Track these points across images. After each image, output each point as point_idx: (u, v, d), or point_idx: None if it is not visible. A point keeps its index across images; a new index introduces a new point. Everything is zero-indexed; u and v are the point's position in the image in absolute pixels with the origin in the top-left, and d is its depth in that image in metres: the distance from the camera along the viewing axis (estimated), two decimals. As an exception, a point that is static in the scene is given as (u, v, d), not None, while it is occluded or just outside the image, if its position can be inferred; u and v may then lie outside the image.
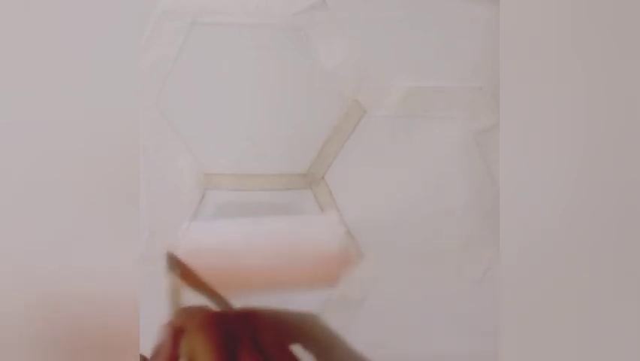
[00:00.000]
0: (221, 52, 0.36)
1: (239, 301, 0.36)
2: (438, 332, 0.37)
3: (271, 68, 0.36)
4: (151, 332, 0.38)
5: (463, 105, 0.36)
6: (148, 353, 0.38)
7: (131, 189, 0.30)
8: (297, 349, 0.36)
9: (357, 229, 0.37)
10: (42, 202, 0.28)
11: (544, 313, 0.27)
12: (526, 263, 0.28)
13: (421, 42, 0.36)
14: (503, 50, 0.28)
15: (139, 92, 0.37)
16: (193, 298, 0.36)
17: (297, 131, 0.36)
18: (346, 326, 0.38)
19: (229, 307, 0.36)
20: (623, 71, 0.27)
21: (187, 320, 0.32)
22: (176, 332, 0.32)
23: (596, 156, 0.27)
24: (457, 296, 0.37)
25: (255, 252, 0.36)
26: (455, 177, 0.36)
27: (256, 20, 0.36)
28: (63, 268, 0.28)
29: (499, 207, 0.29)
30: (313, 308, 0.37)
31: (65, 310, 0.28)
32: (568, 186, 0.27)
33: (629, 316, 0.26)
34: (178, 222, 0.37)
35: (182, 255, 0.36)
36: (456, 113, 0.36)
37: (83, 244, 0.29)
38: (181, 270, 0.36)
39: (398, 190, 0.37)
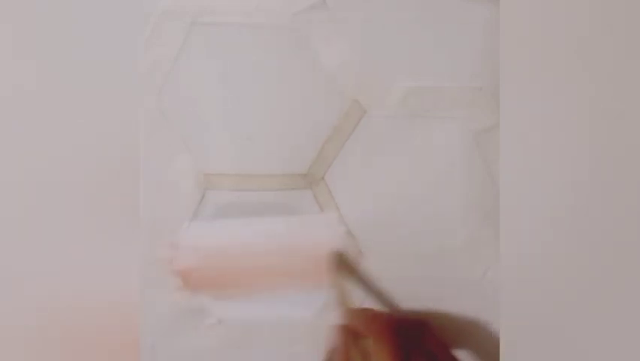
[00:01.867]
0: (221, 52, 0.36)
1: (406, 303, 0.36)
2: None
3: (271, 68, 0.36)
4: (151, 332, 0.38)
5: (463, 105, 0.36)
6: (148, 353, 0.38)
7: (131, 189, 0.30)
8: (463, 354, 0.36)
9: (357, 228, 0.37)
10: (42, 202, 0.28)
11: (544, 313, 0.27)
12: (526, 263, 0.28)
13: (421, 42, 0.36)
14: (503, 50, 0.28)
15: (139, 92, 0.37)
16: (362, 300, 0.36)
17: (297, 131, 0.36)
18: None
19: (395, 308, 0.36)
20: (623, 71, 0.27)
21: (365, 324, 0.32)
22: (351, 334, 0.32)
23: (595, 156, 0.27)
24: (457, 296, 0.37)
25: (255, 252, 0.36)
26: (455, 177, 0.36)
27: (256, 20, 0.36)
28: (63, 267, 0.28)
29: (499, 207, 0.29)
30: (313, 308, 0.37)
31: (65, 310, 0.28)
32: (568, 185, 0.27)
33: (629, 316, 0.26)
34: (178, 222, 0.37)
35: (183, 255, 0.36)
36: (456, 113, 0.36)
37: (83, 244, 0.29)
38: (348, 269, 0.36)
39: (398, 190, 0.37)
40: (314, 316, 0.37)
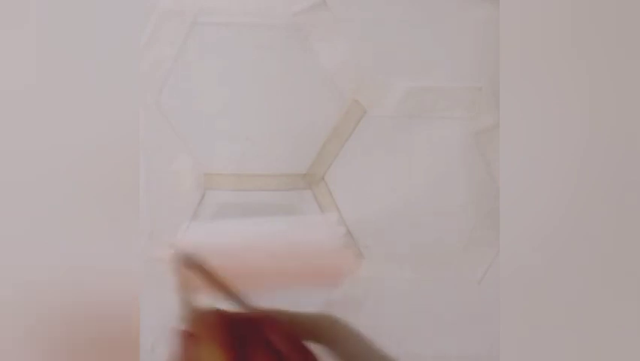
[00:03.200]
0: (221, 52, 0.36)
1: (254, 300, 0.36)
2: (438, 332, 0.37)
3: (271, 68, 0.36)
4: (151, 332, 0.38)
5: (463, 105, 0.36)
6: (148, 353, 0.38)
7: (131, 189, 0.30)
8: (315, 347, 0.36)
9: (357, 229, 0.37)
10: (42, 202, 0.28)
11: (544, 313, 0.27)
12: (526, 263, 0.28)
13: (421, 42, 0.36)
14: (503, 50, 0.28)
15: (139, 92, 0.37)
16: (204, 300, 0.35)
17: (297, 131, 0.36)
18: (346, 326, 0.38)
19: (245, 306, 0.36)
20: (623, 71, 0.27)
21: (197, 324, 0.32)
22: (189, 338, 0.31)
23: (595, 156, 0.27)
24: (457, 296, 0.37)
25: (255, 252, 0.36)
26: (455, 177, 0.36)
27: (256, 20, 0.36)
28: (63, 267, 0.28)
29: (499, 207, 0.29)
30: (312, 308, 0.37)
31: (66, 310, 0.28)
32: (568, 185, 0.27)
33: (629, 316, 0.26)
34: (178, 222, 0.37)
35: (183, 255, 0.36)
36: (456, 113, 0.36)
37: (84, 244, 0.29)
38: (194, 269, 0.35)
39: (398, 190, 0.37)
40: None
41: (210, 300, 0.36)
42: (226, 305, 0.35)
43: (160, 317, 0.38)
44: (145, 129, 0.37)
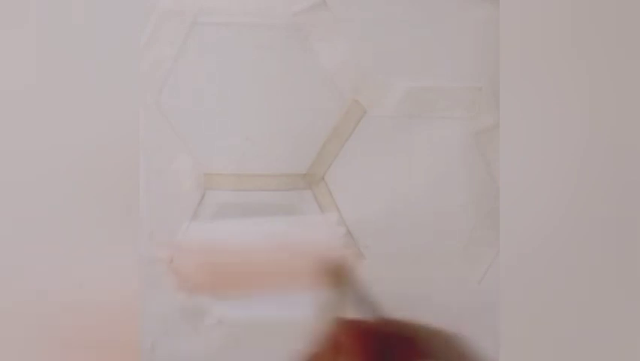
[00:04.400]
0: (221, 52, 0.36)
1: (389, 311, 0.36)
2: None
3: (271, 68, 0.36)
4: (151, 332, 0.38)
5: (463, 105, 0.36)
6: (148, 353, 0.38)
7: (131, 189, 0.30)
8: None
9: (357, 229, 0.37)
10: (42, 202, 0.28)
11: (544, 313, 0.27)
12: (526, 263, 0.28)
13: (421, 42, 0.36)
14: (503, 50, 0.28)
15: (139, 92, 0.37)
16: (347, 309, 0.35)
17: (297, 131, 0.36)
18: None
19: (385, 319, 0.36)
20: (623, 71, 0.27)
21: (342, 333, 0.31)
22: (331, 346, 0.31)
23: (596, 156, 0.27)
24: (458, 296, 0.37)
25: (255, 252, 0.36)
26: (455, 177, 0.36)
27: (256, 20, 0.36)
28: (63, 268, 0.28)
29: (499, 207, 0.29)
30: (313, 308, 0.37)
31: (65, 310, 0.28)
32: (568, 185, 0.27)
33: (629, 316, 0.26)
34: (178, 222, 0.37)
35: (183, 255, 0.36)
36: (456, 113, 0.36)
37: (84, 244, 0.29)
38: (343, 279, 0.35)
39: (398, 190, 0.37)
40: (314, 316, 0.37)
41: (218, 302, 0.36)
42: (353, 311, 0.35)
43: (160, 316, 0.38)
44: (145, 129, 0.37)
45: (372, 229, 0.37)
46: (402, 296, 0.37)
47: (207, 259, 0.36)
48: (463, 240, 0.37)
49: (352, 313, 0.35)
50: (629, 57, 0.26)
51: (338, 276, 0.35)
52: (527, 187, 0.28)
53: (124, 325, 0.29)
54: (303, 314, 0.38)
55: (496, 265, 0.37)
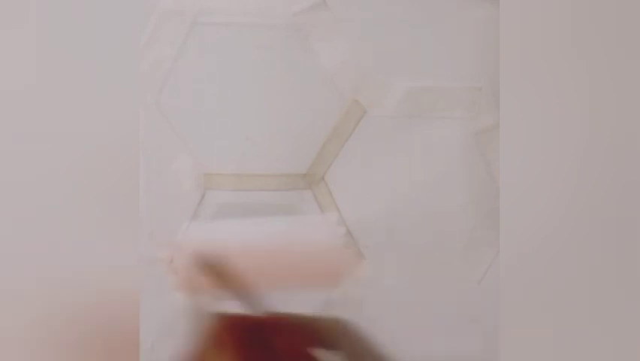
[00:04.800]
0: (221, 52, 0.36)
1: (268, 302, 0.36)
2: (438, 332, 0.37)
3: (271, 68, 0.36)
4: (151, 332, 0.38)
5: (463, 105, 0.36)
6: (148, 353, 0.38)
7: (131, 189, 0.30)
8: (324, 354, 0.36)
9: (357, 229, 0.37)
10: (42, 202, 0.28)
11: (544, 313, 0.27)
12: (526, 263, 0.28)
13: (421, 42, 0.36)
14: (503, 50, 0.28)
15: (139, 92, 0.37)
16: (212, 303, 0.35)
17: (297, 131, 0.36)
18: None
19: (257, 308, 0.36)
20: (623, 71, 0.27)
21: (225, 329, 0.32)
22: (216, 341, 0.32)
23: (596, 156, 0.27)
24: (458, 296, 0.37)
25: (255, 252, 0.36)
26: (455, 177, 0.36)
27: (256, 20, 0.36)
28: (63, 267, 0.28)
29: (499, 207, 0.29)
30: (313, 308, 0.37)
31: (66, 310, 0.28)
32: (568, 185, 0.27)
33: (629, 316, 0.26)
34: (178, 222, 0.37)
35: (182, 255, 0.36)
36: (456, 113, 0.36)
37: (84, 244, 0.29)
38: (207, 268, 0.35)
39: (398, 190, 0.37)
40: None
41: (218, 302, 0.36)
42: (236, 307, 0.35)
43: (160, 316, 0.38)
44: (145, 129, 0.37)
45: (372, 229, 0.37)
46: (402, 296, 0.37)
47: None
48: (463, 240, 0.37)
49: (233, 308, 0.35)
50: (629, 57, 0.26)
51: (219, 272, 0.35)
52: (527, 187, 0.28)
53: (124, 325, 0.29)
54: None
55: (496, 265, 0.37)
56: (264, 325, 0.33)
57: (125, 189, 0.30)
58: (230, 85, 0.36)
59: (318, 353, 0.34)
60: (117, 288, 0.29)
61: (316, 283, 0.37)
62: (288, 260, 0.37)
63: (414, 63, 0.36)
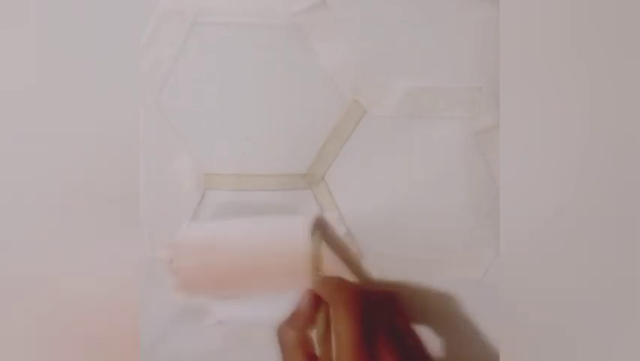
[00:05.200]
0: (221, 52, 0.36)
1: (375, 270, 0.36)
2: (438, 332, 0.37)
3: (271, 68, 0.36)
4: (151, 332, 0.38)
5: (463, 105, 0.36)
6: (148, 353, 0.38)
7: (131, 189, 0.30)
8: (427, 333, 0.36)
9: (357, 229, 0.37)
10: (42, 202, 0.28)
11: (544, 313, 0.27)
12: (526, 263, 0.28)
13: (421, 42, 0.36)
14: (503, 50, 0.28)
15: (139, 92, 0.37)
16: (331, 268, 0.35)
17: (297, 131, 0.36)
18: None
19: (366, 278, 0.36)
20: (623, 71, 0.27)
21: (330, 292, 0.32)
22: (316, 301, 0.32)
23: (596, 156, 0.27)
24: (457, 296, 0.37)
25: (254, 252, 0.36)
26: (455, 177, 0.36)
27: (256, 20, 0.36)
28: (63, 267, 0.28)
29: (499, 207, 0.29)
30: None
31: (65, 310, 0.28)
32: (568, 185, 0.27)
33: (629, 316, 0.26)
34: (178, 222, 0.37)
35: (182, 255, 0.36)
36: (456, 113, 0.36)
37: (83, 243, 0.29)
38: (325, 234, 0.36)
39: (398, 190, 0.37)
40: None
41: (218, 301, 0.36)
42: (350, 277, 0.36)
43: (160, 316, 0.38)
44: (145, 129, 0.37)
45: (372, 229, 0.37)
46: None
47: (207, 259, 0.36)
48: (463, 240, 0.37)
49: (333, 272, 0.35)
50: (629, 57, 0.26)
51: (321, 231, 0.35)
52: (527, 187, 0.28)
53: (124, 325, 0.29)
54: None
55: (496, 265, 0.37)
56: (364, 289, 0.33)
57: (125, 189, 0.30)
58: (230, 85, 0.36)
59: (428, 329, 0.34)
60: (117, 287, 0.29)
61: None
62: (288, 260, 0.37)
63: (414, 63, 0.36)
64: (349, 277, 0.36)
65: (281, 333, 0.32)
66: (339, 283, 0.33)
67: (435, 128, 0.36)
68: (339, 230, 0.37)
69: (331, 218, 0.37)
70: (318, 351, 0.31)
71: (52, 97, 0.29)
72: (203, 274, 0.36)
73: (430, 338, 0.36)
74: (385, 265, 0.37)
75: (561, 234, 0.27)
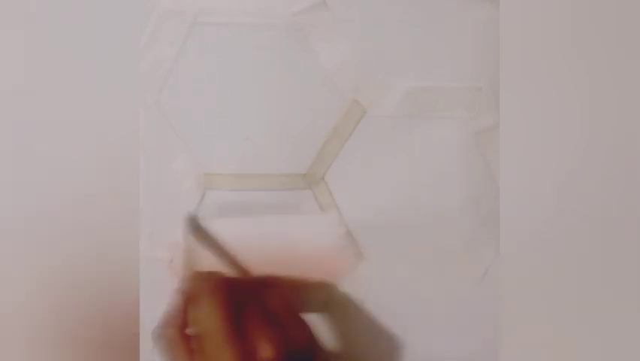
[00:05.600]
0: (222, 52, 0.36)
1: (257, 269, 0.36)
2: (437, 332, 0.37)
3: (271, 68, 0.36)
4: (151, 332, 0.38)
5: (463, 105, 0.36)
6: (148, 353, 0.38)
7: (131, 189, 0.30)
8: (312, 317, 0.36)
9: (357, 229, 0.37)
10: (42, 202, 0.28)
11: (544, 313, 0.27)
12: (526, 263, 0.28)
13: (421, 42, 0.36)
14: (503, 50, 0.28)
15: (139, 92, 0.37)
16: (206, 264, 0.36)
17: (297, 131, 0.36)
18: (346, 326, 0.38)
19: (246, 273, 0.36)
20: (622, 71, 0.27)
21: (196, 285, 0.32)
22: (187, 298, 0.32)
23: (596, 156, 0.27)
24: (457, 296, 0.37)
25: (254, 252, 0.36)
26: (455, 177, 0.36)
27: (256, 20, 0.36)
28: (64, 268, 0.28)
29: (499, 207, 0.29)
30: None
31: (66, 310, 0.28)
32: (568, 185, 0.27)
33: (630, 315, 0.26)
34: (178, 222, 0.37)
35: (182, 255, 0.36)
36: (456, 113, 0.36)
37: (83, 244, 0.29)
38: (200, 233, 0.36)
39: (398, 190, 0.37)
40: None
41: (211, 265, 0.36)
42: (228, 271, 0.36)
43: (160, 316, 0.38)
44: (145, 129, 0.37)
45: (372, 229, 0.37)
46: (402, 296, 0.37)
47: (207, 259, 0.36)
48: (463, 240, 0.37)
49: (211, 267, 0.36)
50: (629, 57, 0.26)
51: (196, 230, 0.35)
52: (527, 187, 0.28)
53: (124, 325, 0.29)
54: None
55: (496, 265, 0.37)
56: (256, 285, 0.33)
57: (125, 189, 0.30)
58: (230, 85, 0.36)
59: (306, 315, 0.34)
60: (117, 288, 0.29)
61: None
62: (287, 260, 0.37)
63: (414, 63, 0.36)
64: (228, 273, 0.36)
65: (159, 335, 0.32)
66: (205, 276, 0.33)
67: (435, 128, 0.36)
68: (340, 230, 0.37)
69: (331, 218, 0.37)
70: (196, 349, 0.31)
71: (52, 97, 0.29)
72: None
73: (322, 328, 0.36)
74: (385, 266, 0.37)
75: (561, 234, 0.27)
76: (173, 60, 0.36)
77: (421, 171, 0.36)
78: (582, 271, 0.27)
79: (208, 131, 0.37)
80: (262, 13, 0.36)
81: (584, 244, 0.27)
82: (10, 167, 0.28)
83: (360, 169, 0.37)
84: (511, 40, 0.28)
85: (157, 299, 0.38)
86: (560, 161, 0.27)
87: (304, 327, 0.32)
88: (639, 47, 0.26)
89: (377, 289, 0.37)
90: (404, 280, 0.37)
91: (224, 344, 0.29)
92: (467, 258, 0.37)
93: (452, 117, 0.36)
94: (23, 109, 0.28)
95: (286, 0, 0.36)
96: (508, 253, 0.28)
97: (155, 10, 0.36)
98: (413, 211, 0.37)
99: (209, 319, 0.30)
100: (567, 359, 0.27)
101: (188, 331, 0.31)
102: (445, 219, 0.37)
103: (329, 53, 0.36)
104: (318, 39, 0.36)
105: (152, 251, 0.37)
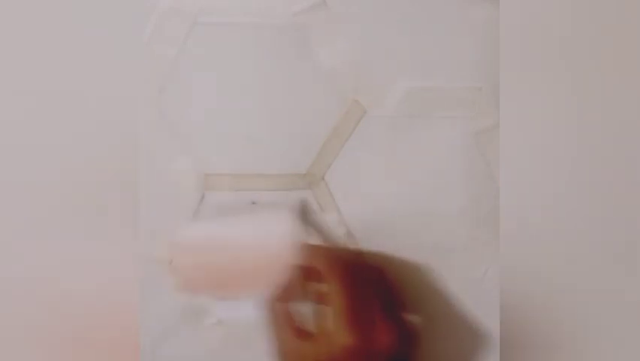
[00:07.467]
0: (222, 52, 0.36)
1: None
2: (437, 332, 0.37)
3: (271, 68, 0.36)
4: (151, 332, 0.38)
5: (463, 105, 0.36)
6: (148, 354, 0.38)
7: (131, 189, 0.30)
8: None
9: (357, 229, 0.37)
10: (41, 202, 0.28)
11: (544, 313, 0.27)
12: (525, 263, 0.28)
13: (421, 42, 0.36)
14: (503, 50, 0.28)
15: (139, 92, 0.37)
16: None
17: (297, 131, 0.36)
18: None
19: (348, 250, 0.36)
20: (622, 71, 0.27)
21: (324, 264, 0.32)
22: (306, 274, 0.32)
23: (595, 156, 0.27)
24: (457, 296, 0.37)
25: (254, 252, 0.36)
26: (455, 177, 0.36)
27: (257, 20, 0.36)
28: (63, 268, 0.28)
29: (499, 207, 0.29)
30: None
31: (66, 310, 0.28)
32: (567, 185, 0.27)
33: (629, 315, 0.26)
34: (178, 222, 0.37)
35: (182, 255, 0.36)
36: (456, 113, 0.36)
37: (83, 244, 0.29)
38: (308, 220, 0.36)
39: (398, 190, 0.37)
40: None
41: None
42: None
43: (160, 316, 0.38)
44: (145, 129, 0.37)
45: (372, 229, 0.37)
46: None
47: (207, 259, 0.36)
48: (463, 240, 0.37)
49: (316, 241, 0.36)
50: (629, 57, 0.26)
51: (306, 216, 0.35)
52: (527, 187, 0.28)
53: (124, 325, 0.29)
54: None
55: (496, 265, 0.37)
56: (350, 257, 0.32)
57: (125, 189, 0.30)
58: (230, 85, 0.36)
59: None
60: (117, 288, 0.29)
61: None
62: (287, 260, 0.36)
63: (414, 63, 0.36)
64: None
65: (270, 308, 0.32)
66: (333, 254, 0.33)
67: (435, 128, 0.36)
68: (339, 230, 0.37)
69: (331, 218, 0.37)
70: (312, 325, 0.31)
71: (52, 97, 0.29)
72: (203, 274, 0.36)
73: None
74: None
75: (561, 234, 0.27)
76: (174, 60, 0.36)
77: (421, 171, 0.36)
78: (582, 271, 0.27)
79: (208, 131, 0.37)
80: (262, 13, 0.36)
81: (584, 244, 0.27)
82: (9, 167, 0.28)
83: (360, 169, 0.37)
84: (511, 40, 0.28)
85: (157, 299, 0.38)
86: (560, 161, 0.27)
87: (408, 323, 0.33)
88: (639, 48, 0.26)
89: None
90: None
91: (347, 322, 0.29)
92: (467, 258, 0.37)
93: (452, 117, 0.36)
94: (22, 109, 0.28)
95: (286, 0, 0.36)
96: (508, 253, 0.28)
97: (156, 10, 0.36)
98: (413, 211, 0.37)
99: (336, 295, 0.30)
100: (567, 358, 0.27)
101: (299, 305, 0.31)
102: (444, 220, 0.37)
103: (329, 53, 0.36)
104: (318, 39, 0.36)
105: (152, 251, 0.37)
